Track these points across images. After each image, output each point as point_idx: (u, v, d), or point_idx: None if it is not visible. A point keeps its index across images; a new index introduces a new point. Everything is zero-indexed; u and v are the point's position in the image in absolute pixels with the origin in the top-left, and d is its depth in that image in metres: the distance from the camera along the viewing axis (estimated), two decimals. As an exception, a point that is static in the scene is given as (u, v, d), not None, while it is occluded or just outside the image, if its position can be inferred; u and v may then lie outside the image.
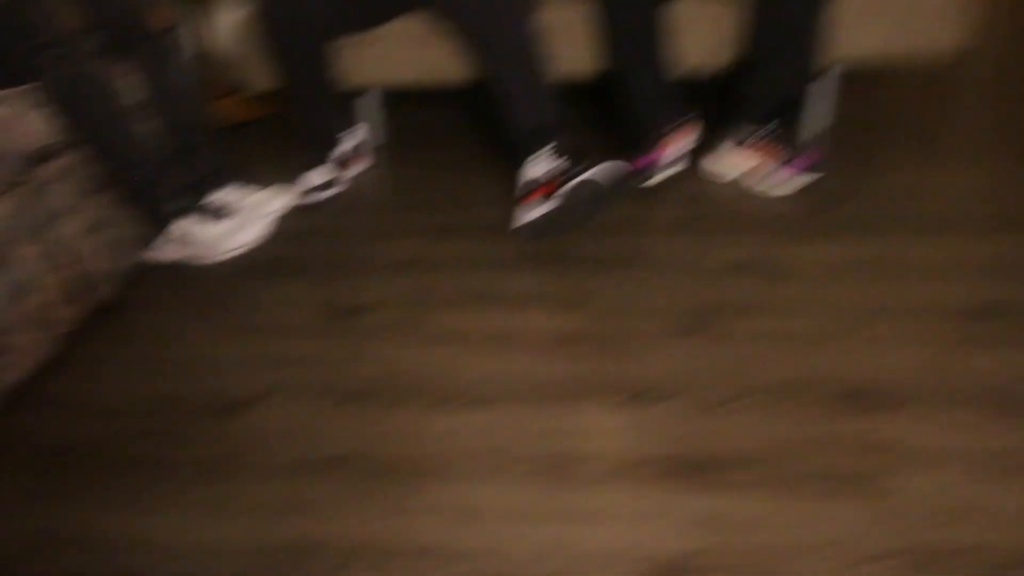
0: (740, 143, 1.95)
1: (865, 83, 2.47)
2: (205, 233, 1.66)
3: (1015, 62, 2.71)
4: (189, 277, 1.70)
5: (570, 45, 1.96)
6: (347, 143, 2.08)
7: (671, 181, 1.95)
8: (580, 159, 1.69)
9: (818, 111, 2.10)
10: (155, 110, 1.69)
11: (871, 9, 1.87)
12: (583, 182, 1.63)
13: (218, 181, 1.80)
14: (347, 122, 2.10)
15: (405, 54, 2.04)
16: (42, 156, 1.45)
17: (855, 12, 1.86)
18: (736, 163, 1.96)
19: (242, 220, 1.73)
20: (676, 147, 1.96)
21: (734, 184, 1.93)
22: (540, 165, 1.73)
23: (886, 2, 1.87)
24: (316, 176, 2.01)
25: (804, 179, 1.83)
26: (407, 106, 2.53)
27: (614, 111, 1.96)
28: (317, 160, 2.03)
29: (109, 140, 1.53)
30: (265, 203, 1.84)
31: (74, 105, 1.47)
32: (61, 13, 1.46)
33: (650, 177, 1.91)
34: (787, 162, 1.85)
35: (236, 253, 1.71)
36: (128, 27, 1.61)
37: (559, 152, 1.72)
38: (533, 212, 1.71)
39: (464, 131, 2.42)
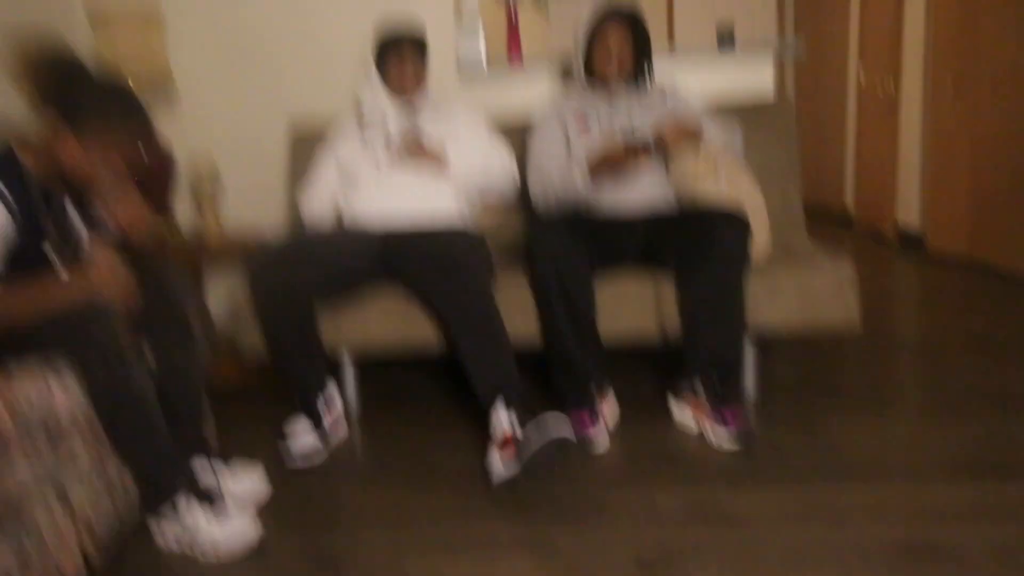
0: (679, 399, 2.19)
1: (788, 349, 2.80)
2: (200, 528, 1.67)
3: (915, 334, 3.09)
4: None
5: (523, 314, 2.23)
6: (330, 402, 2.26)
7: (618, 432, 2.15)
8: (535, 414, 1.90)
9: (743, 375, 2.37)
10: (167, 390, 1.77)
11: (777, 289, 2.20)
12: (540, 435, 1.82)
13: (212, 456, 1.88)
14: (330, 382, 2.29)
15: (384, 322, 2.30)
16: (59, 423, 1.55)
17: (764, 291, 2.18)
18: (681, 416, 2.18)
19: (232, 511, 1.73)
20: (609, 408, 2.20)
21: (683, 433, 2.13)
22: (501, 419, 1.93)
23: (788, 283, 2.20)
24: (301, 434, 2.16)
25: (736, 434, 2.04)
26: (382, 367, 2.75)
27: (555, 373, 2.20)
28: (302, 418, 2.19)
29: (129, 428, 1.64)
30: (251, 482, 1.93)
31: (105, 400, 1.60)
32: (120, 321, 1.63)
33: (593, 433, 2.10)
34: (719, 418, 2.07)
35: (231, 551, 1.69)
36: (166, 318, 1.80)
37: (518, 408, 1.94)
38: (497, 465, 1.88)
39: (432, 389, 2.63)
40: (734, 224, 2.08)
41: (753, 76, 3.02)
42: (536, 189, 2.43)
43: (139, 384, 1.63)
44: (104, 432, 1.65)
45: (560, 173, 2.33)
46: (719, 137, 2.31)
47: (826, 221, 6.04)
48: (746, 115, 2.66)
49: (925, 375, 2.55)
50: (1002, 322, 3.14)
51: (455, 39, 3.02)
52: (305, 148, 2.79)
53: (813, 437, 2.07)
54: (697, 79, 2.94)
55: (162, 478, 1.69)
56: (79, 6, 2.93)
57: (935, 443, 1.99)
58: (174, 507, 1.68)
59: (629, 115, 2.37)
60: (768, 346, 2.54)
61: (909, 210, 4.73)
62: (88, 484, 1.62)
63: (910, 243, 4.69)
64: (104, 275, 1.69)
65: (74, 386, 1.59)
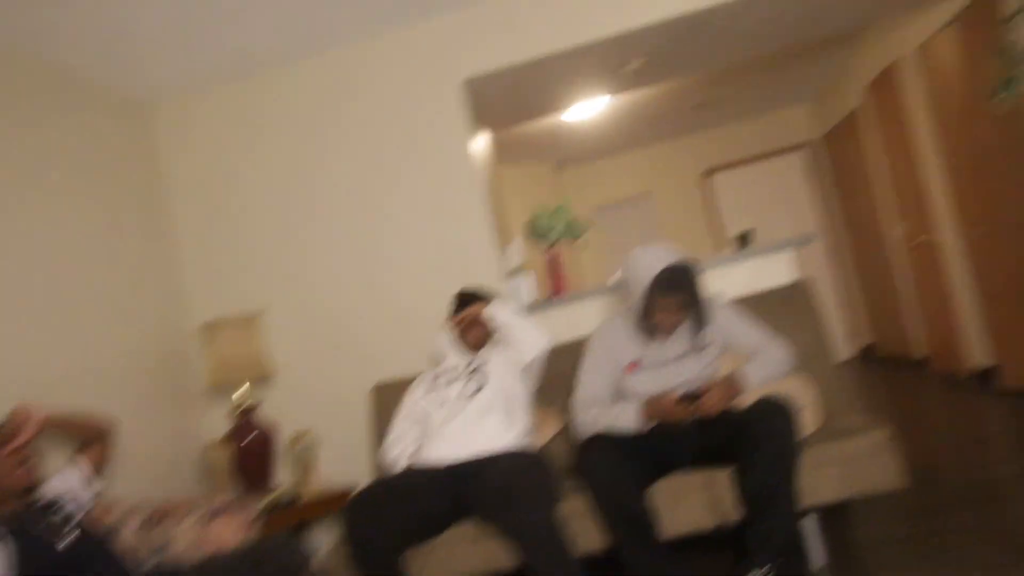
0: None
1: (843, 517, 2.83)
2: None
3: (964, 485, 3.06)
4: None
5: (587, 527, 2.41)
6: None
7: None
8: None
9: (807, 551, 2.46)
10: None
11: (821, 462, 2.35)
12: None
13: None
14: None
15: (462, 552, 2.52)
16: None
17: (808, 466, 2.32)
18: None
19: None
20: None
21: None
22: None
23: (830, 457, 2.35)
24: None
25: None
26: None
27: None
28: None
29: None
30: None
31: None
32: None
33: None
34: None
35: None
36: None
37: None
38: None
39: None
40: (783, 415, 2.25)
41: (775, 268, 3.39)
42: (583, 418, 2.59)
43: None
44: None
45: (606, 412, 2.52)
46: (763, 372, 2.49)
47: (901, 367, 6.04)
48: (765, 302, 2.96)
49: (974, 527, 2.53)
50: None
51: (507, 287, 3.53)
52: (386, 408, 3.15)
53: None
54: (726, 279, 3.35)
55: None
56: (191, 326, 3.62)
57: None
58: None
59: (683, 368, 2.53)
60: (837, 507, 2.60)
61: (979, 348, 4.74)
62: None
63: (984, 382, 4.66)
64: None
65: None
